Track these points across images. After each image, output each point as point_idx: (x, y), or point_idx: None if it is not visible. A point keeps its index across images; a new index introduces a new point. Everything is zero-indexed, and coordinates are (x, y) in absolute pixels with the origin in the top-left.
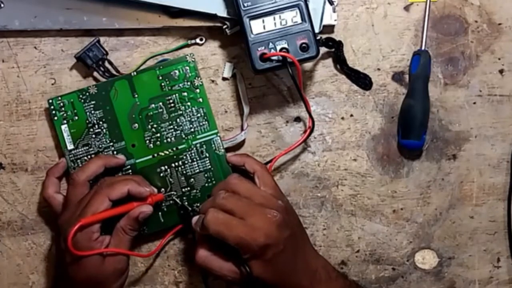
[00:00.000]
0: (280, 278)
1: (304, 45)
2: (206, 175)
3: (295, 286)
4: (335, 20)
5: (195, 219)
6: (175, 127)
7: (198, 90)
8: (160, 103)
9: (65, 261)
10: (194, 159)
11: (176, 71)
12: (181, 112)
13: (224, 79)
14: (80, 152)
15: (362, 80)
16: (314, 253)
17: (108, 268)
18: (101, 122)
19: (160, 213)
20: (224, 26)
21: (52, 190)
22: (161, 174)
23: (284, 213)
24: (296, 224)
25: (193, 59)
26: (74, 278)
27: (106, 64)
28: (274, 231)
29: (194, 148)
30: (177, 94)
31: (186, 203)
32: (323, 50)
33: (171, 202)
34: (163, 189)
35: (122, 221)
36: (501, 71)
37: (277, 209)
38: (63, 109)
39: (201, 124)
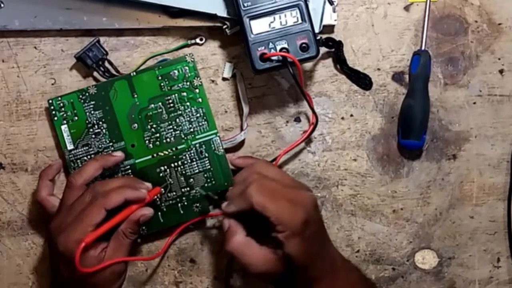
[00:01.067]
0: (310, 260)
1: (304, 45)
2: (205, 175)
3: (319, 271)
4: (335, 20)
5: (224, 204)
6: (175, 127)
7: (197, 90)
8: (160, 103)
9: (59, 268)
10: (194, 159)
11: (176, 71)
12: (180, 112)
13: (224, 79)
14: (80, 152)
15: (362, 80)
16: (331, 242)
17: (106, 273)
18: (100, 122)
19: (159, 213)
20: (224, 26)
21: (45, 193)
22: (161, 174)
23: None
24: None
25: (192, 59)
26: (70, 283)
27: (106, 64)
28: (312, 210)
29: (194, 148)
30: (176, 94)
31: (206, 193)
32: (323, 50)
33: (171, 202)
34: (162, 190)
35: (122, 225)
36: (501, 71)
37: (310, 190)
38: (63, 109)
39: (200, 124)
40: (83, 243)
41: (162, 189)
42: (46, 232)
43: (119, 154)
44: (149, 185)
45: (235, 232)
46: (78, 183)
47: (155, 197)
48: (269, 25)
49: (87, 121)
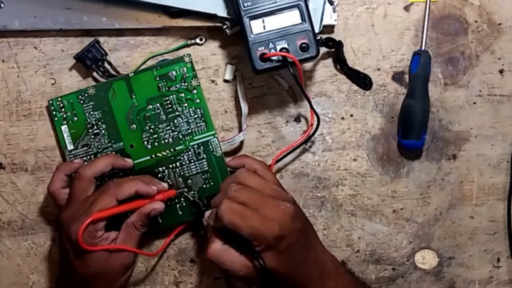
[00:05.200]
0: (292, 270)
1: (304, 45)
2: (203, 176)
3: (306, 279)
4: (335, 20)
5: (207, 213)
6: (173, 128)
7: (195, 91)
8: (158, 104)
9: (69, 258)
10: (192, 160)
11: (173, 72)
12: (178, 113)
13: (225, 81)
14: (80, 153)
15: (362, 80)
16: (322, 247)
17: (115, 264)
18: (100, 123)
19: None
20: (224, 26)
21: (58, 185)
22: (159, 175)
23: (295, 205)
24: (306, 218)
25: (190, 60)
26: (80, 274)
27: (105, 64)
28: (288, 222)
29: (192, 149)
30: (174, 95)
31: (197, 197)
32: (323, 50)
33: (169, 203)
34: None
35: (133, 216)
36: (501, 71)
37: (289, 201)
38: (63, 109)
39: (198, 125)
40: (90, 218)
41: (178, 193)
42: (57, 224)
43: (130, 161)
44: (165, 185)
45: (213, 241)
46: (87, 175)
47: None
48: (269, 25)
49: (86, 122)
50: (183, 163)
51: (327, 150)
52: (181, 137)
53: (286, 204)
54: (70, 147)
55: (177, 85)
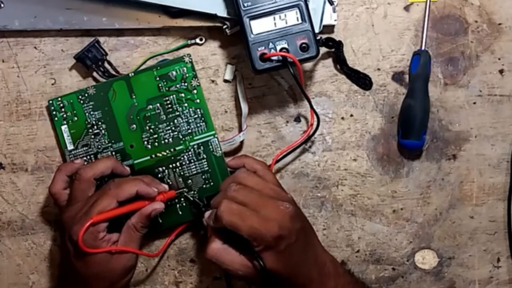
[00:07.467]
0: (292, 270)
1: (304, 45)
2: (203, 176)
3: (306, 279)
4: (335, 20)
5: (207, 213)
6: (173, 128)
7: (195, 91)
8: (158, 104)
9: (71, 259)
10: (192, 160)
11: (174, 72)
12: (178, 113)
13: (225, 81)
14: (80, 153)
15: (362, 80)
16: (321, 247)
17: (117, 266)
18: (100, 123)
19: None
20: (224, 26)
21: (60, 186)
22: (159, 175)
23: (294, 205)
24: (305, 218)
25: (190, 60)
26: (82, 274)
27: (106, 64)
28: (287, 222)
29: (192, 150)
30: (174, 95)
31: (197, 197)
32: (323, 50)
33: (169, 203)
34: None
35: (133, 218)
36: (501, 71)
37: (288, 201)
38: (63, 109)
39: (198, 125)
40: (90, 221)
41: (177, 194)
42: (58, 229)
43: (128, 170)
44: (166, 186)
45: (213, 241)
46: (87, 176)
47: None
48: (269, 25)
49: (86, 122)
50: (183, 163)
51: (327, 150)
52: (181, 137)
53: (285, 204)
54: (70, 147)
55: (177, 85)
